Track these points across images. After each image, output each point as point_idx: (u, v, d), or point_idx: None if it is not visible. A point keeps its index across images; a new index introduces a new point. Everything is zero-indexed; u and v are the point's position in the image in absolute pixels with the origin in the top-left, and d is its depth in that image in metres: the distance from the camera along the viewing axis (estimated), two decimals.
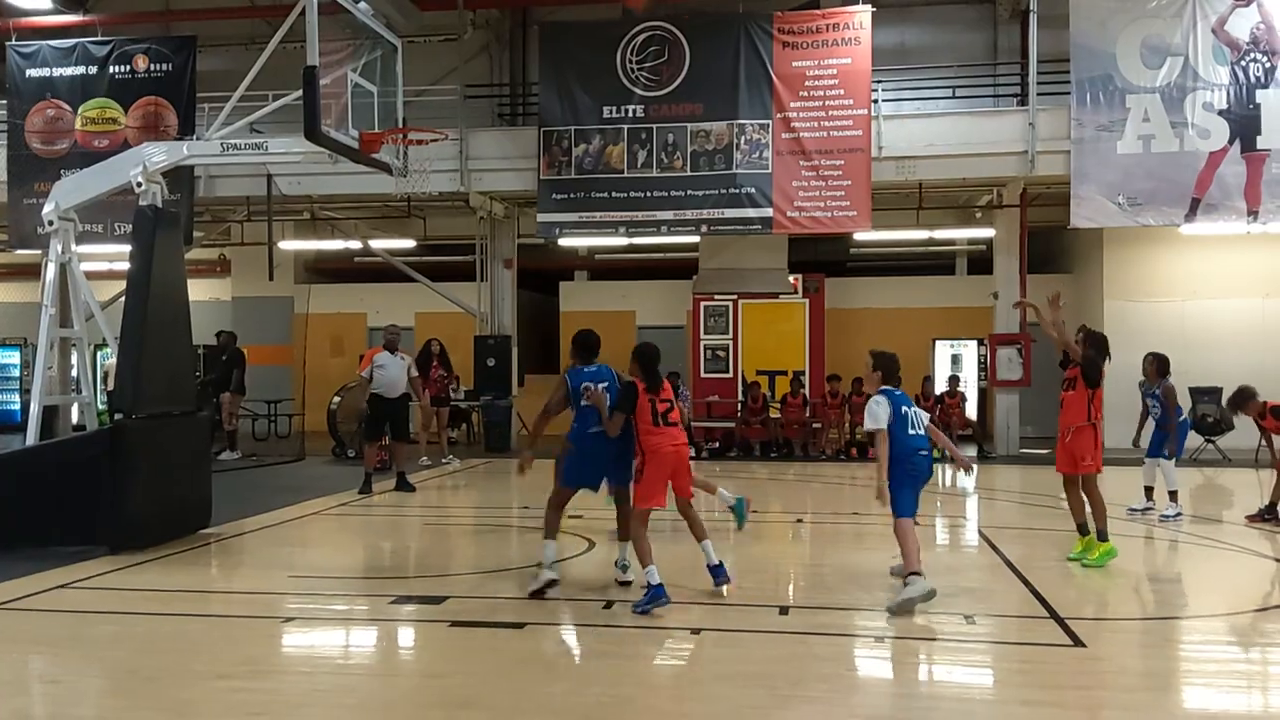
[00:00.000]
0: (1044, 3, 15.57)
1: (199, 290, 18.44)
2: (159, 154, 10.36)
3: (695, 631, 6.24)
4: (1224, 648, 6.18)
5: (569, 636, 6.51)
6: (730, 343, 17.43)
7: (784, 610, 6.80)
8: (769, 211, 15.86)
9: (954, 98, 17.42)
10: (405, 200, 17.69)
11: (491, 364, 17.83)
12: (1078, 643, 5.96)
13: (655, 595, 6.60)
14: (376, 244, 20.03)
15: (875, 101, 15.82)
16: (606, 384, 7.15)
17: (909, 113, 16.50)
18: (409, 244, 20.06)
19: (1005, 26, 18.55)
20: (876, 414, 7.05)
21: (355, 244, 20.32)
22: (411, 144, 11.86)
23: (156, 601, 7.14)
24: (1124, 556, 9.00)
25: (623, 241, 17.71)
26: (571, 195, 16.39)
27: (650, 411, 6.94)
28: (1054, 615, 6.54)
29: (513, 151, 16.99)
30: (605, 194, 16.28)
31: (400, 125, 11.78)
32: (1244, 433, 15.42)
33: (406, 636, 6.57)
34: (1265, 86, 15.01)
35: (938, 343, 19.47)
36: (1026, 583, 7.47)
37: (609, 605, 6.91)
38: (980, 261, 19.68)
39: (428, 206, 19.03)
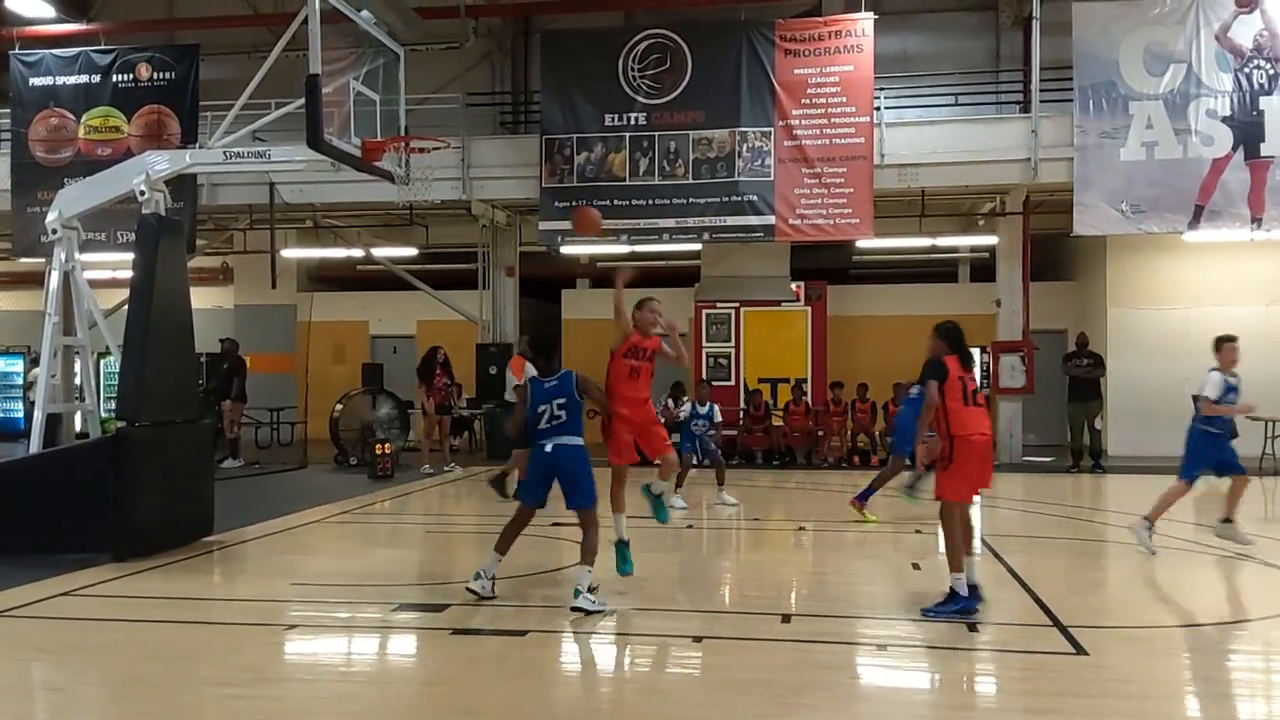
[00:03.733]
0: (1046, 10, 15.58)
1: (201, 298, 18.45)
2: (162, 162, 10.39)
3: (697, 639, 6.23)
4: (1228, 656, 6.16)
5: (571, 644, 6.50)
6: (732, 350, 17.39)
7: (786, 618, 6.78)
8: (771, 219, 15.86)
9: (956, 105, 17.42)
10: (407, 208, 17.72)
11: (494, 372, 17.82)
12: (1080, 651, 5.94)
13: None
14: (379, 252, 20.06)
15: (877, 109, 15.83)
16: (561, 397, 6.96)
17: (911, 120, 16.50)
18: (411, 252, 20.08)
19: (1007, 34, 18.58)
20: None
21: (357, 252, 20.36)
22: (413, 152, 11.89)
23: (159, 609, 7.14)
24: (1127, 564, 8.99)
25: (625, 249, 17.71)
26: (573, 203, 16.37)
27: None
28: (1057, 623, 6.52)
29: (514, 159, 17.01)
30: (607, 202, 16.27)
31: (402, 133, 11.81)
32: (1247, 440, 15.42)
33: (408, 644, 6.56)
34: (1269, 93, 15.00)
35: None
36: (1029, 591, 7.45)
37: (610, 613, 6.89)
38: (983, 269, 19.66)
39: (430, 215, 19.05)
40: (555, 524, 10.50)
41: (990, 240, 18.08)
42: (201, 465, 9.86)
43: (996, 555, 8.94)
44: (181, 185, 14.59)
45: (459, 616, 6.84)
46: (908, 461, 10.55)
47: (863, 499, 10.72)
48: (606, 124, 16.33)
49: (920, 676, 5.82)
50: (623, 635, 6.61)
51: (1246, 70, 15.09)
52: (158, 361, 9.21)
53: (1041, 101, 15.58)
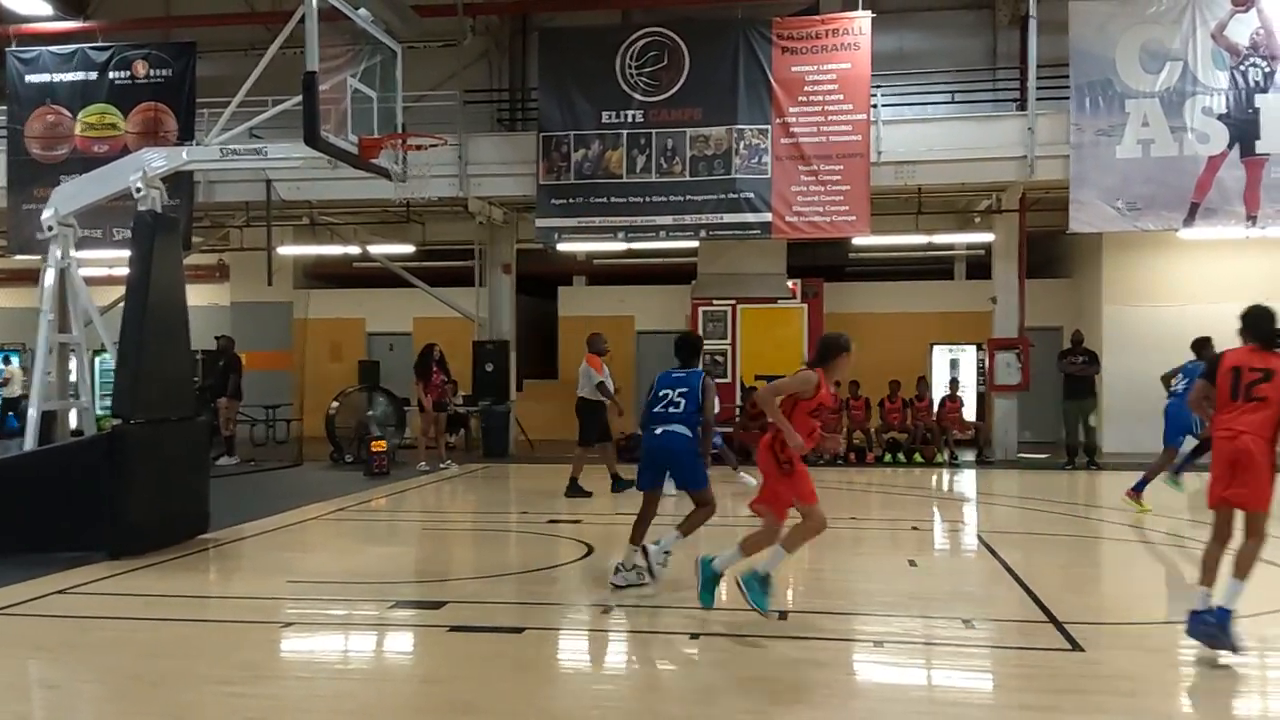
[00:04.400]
0: (1043, 8, 15.57)
1: (197, 295, 18.46)
2: (158, 159, 10.38)
3: (694, 636, 6.23)
4: (1222, 652, 6.16)
5: (568, 641, 6.50)
6: (729, 347, 17.41)
7: (783, 615, 6.79)
8: (768, 216, 15.86)
9: (953, 103, 17.42)
10: (404, 206, 17.69)
11: (490, 369, 17.83)
12: (1076, 647, 5.96)
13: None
14: (375, 249, 20.04)
15: (874, 106, 15.83)
16: (685, 387, 7.19)
17: (908, 118, 16.49)
18: (408, 249, 20.07)
19: (1004, 32, 18.57)
20: None
21: (354, 249, 20.33)
22: (411, 149, 11.88)
23: (155, 607, 7.13)
24: (1123, 561, 9.02)
25: (622, 247, 17.71)
26: (570, 200, 16.41)
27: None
28: (1053, 620, 6.53)
29: (512, 157, 17.00)
30: (604, 199, 16.29)
31: (400, 131, 11.80)
32: None
33: (405, 641, 6.57)
34: (1265, 91, 14.98)
35: (936, 347, 19.51)
36: (1025, 587, 7.46)
37: (608, 610, 6.90)
38: (979, 266, 19.69)
39: (426, 212, 19.05)
40: (552, 520, 10.56)
41: (986, 238, 18.09)
42: (197, 463, 9.86)
43: (993, 552, 8.96)
44: (178, 182, 14.58)
45: (456, 614, 6.84)
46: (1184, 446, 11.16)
47: (1138, 490, 11.04)
48: (604, 121, 16.31)
49: (917, 673, 5.83)
50: (620, 632, 6.62)
51: (1242, 68, 15.09)
52: (153, 359, 9.20)
53: (1038, 99, 15.57)
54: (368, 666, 6.09)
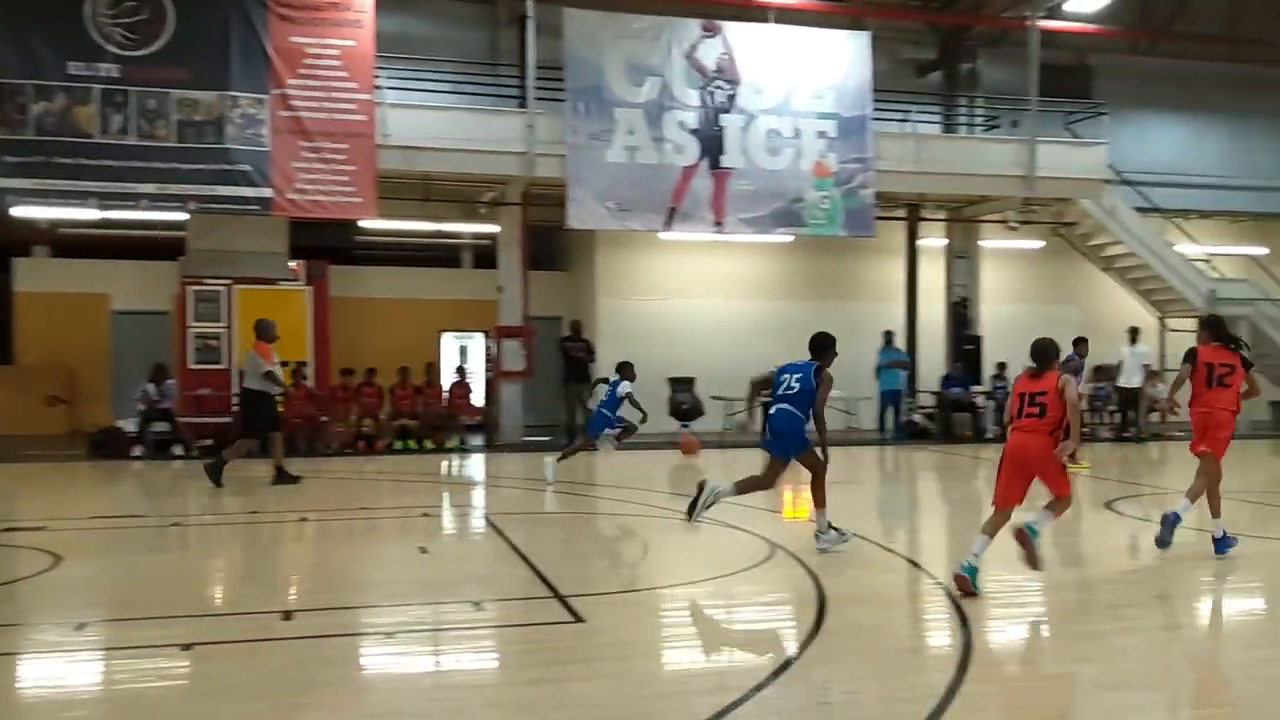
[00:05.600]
0: (541, 11, 16.25)
1: None
2: None
3: (186, 647, 5.62)
4: (700, 611, 6.81)
5: (30, 667, 5.57)
6: (224, 331, 16.11)
7: (288, 615, 6.38)
8: (267, 192, 14.98)
9: (457, 93, 17.62)
10: None
11: None
12: (578, 619, 6.25)
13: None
14: None
15: (379, 88, 15.55)
16: (800, 374, 8.19)
17: (414, 103, 16.40)
18: None
19: (505, 29, 19.15)
20: None
21: None
22: None
23: None
24: (617, 534, 9.71)
25: (95, 215, 15.70)
26: (29, 159, 14.25)
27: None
28: (556, 594, 6.81)
29: None
30: (72, 160, 14.36)
31: None
32: (713, 418, 17.48)
33: None
34: (727, 111, 16.95)
35: (445, 334, 19.73)
36: (531, 566, 7.72)
37: (81, 627, 6.03)
38: (486, 256, 20.19)
39: None
40: (8, 529, 9.11)
41: (493, 228, 18.58)
42: None
43: (500, 533, 9.19)
44: None
45: None
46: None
47: None
48: (70, 73, 14.37)
49: (428, 660, 5.77)
50: (95, 650, 5.81)
51: (710, 89, 16.93)
52: None
53: (538, 99, 16.27)
54: None
